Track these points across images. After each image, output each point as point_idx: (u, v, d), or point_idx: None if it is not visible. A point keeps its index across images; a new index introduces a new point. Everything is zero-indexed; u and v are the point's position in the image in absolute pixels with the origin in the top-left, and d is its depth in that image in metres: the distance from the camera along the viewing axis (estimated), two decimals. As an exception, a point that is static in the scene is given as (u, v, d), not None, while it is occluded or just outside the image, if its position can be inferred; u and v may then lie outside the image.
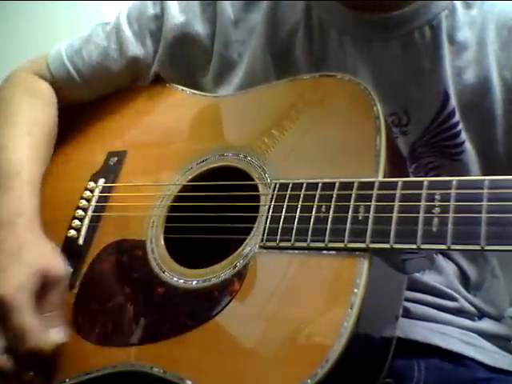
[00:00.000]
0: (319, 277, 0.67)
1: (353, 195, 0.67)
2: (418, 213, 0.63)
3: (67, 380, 0.76)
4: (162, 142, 0.92)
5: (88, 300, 0.81)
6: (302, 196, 0.70)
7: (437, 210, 0.62)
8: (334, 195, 0.68)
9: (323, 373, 0.60)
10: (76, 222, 0.87)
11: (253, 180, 0.78)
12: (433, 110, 0.83)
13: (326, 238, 0.66)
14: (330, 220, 0.67)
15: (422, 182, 0.65)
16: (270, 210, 0.72)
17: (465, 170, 0.84)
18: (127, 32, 0.97)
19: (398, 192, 0.65)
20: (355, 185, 0.68)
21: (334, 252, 0.66)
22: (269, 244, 0.70)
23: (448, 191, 0.63)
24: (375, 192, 0.66)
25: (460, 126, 0.83)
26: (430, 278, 0.85)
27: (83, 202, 0.89)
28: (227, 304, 0.70)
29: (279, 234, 0.70)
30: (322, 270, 0.67)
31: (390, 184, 0.66)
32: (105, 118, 1.00)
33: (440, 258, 0.86)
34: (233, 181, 0.79)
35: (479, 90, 0.82)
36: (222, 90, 0.93)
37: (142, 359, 0.72)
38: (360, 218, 0.66)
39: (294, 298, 0.66)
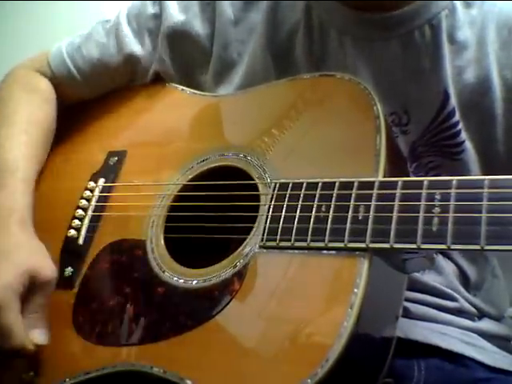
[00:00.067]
0: (319, 276, 0.67)
1: (353, 195, 0.67)
2: (418, 212, 0.63)
3: (67, 380, 0.76)
4: (161, 142, 0.92)
5: (88, 300, 0.81)
6: (301, 196, 0.70)
7: (437, 209, 0.62)
8: (334, 195, 0.68)
9: (323, 372, 0.60)
10: (76, 222, 0.87)
11: (253, 180, 0.78)
12: (433, 110, 0.83)
13: (326, 237, 0.66)
14: (330, 220, 0.67)
15: (422, 181, 0.65)
16: (270, 210, 0.72)
17: (465, 169, 0.84)
18: (126, 30, 0.98)
19: (398, 192, 0.65)
20: (355, 184, 0.68)
21: (333, 252, 0.66)
22: (269, 244, 0.70)
23: (448, 191, 0.63)
24: (375, 192, 0.66)
25: (460, 126, 0.83)
26: (429, 278, 0.85)
27: (83, 202, 0.89)
28: (227, 304, 0.70)
29: (279, 233, 0.70)
30: (322, 270, 0.67)
31: (390, 184, 0.66)
32: (105, 118, 1.00)
33: (440, 258, 0.86)
34: (233, 180, 0.79)
35: (479, 89, 0.82)
36: (222, 89, 0.94)
37: (141, 359, 0.72)
38: (360, 217, 0.66)
39: (294, 298, 0.66)
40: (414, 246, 0.62)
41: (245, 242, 0.73)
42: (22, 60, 1.05)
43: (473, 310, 0.88)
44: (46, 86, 1.00)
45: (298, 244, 0.68)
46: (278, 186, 0.73)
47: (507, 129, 0.82)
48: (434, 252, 0.79)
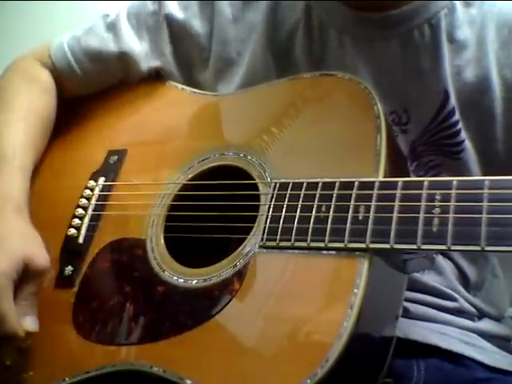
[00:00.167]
0: (319, 277, 0.67)
1: (353, 195, 0.67)
2: (419, 213, 0.63)
3: (67, 379, 0.76)
4: (162, 141, 0.92)
5: (88, 299, 0.81)
6: (302, 195, 0.70)
7: (437, 210, 0.62)
8: (334, 195, 0.68)
9: (323, 373, 0.60)
10: (76, 221, 0.87)
11: (253, 179, 0.77)
12: (433, 109, 0.83)
13: (326, 237, 0.66)
14: (330, 220, 0.67)
15: (422, 182, 0.64)
16: (270, 210, 0.72)
17: (465, 168, 0.84)
18: (125, 26, 0.98)
19: (399, 192, 0.65)
20: (355, 184, 0.68)
21: (333, 252, 0.66)
22: (269, 244, 0.70)
23: (448, 191, 0.63)
24: (375, 192, 0.66)
25: (460, 125, 0.83)
26: (429, 278, 0.85)
27: (83, 201, 0.89)
28: (227, 303, 0.70)
29: (279, 233, 0.70)
30: (322, 270, 0.67)
31: (390, 184, 0.66)
32: (105, 117, 1.00)
33: (440, 258, 0.86)
34: (233, 180, 0.79)
35: (479, 88, 0.82)
36: (222, 87, 0.94)
37: (141, 358, 0.72)
38: (360, 217, 0.66)
39: (294, 298, 0.66)
40: (414, 246, 0.62)
41: (245, 242, 0.73)
42: (22, 56, 1.04)
43: (472, 310, 0.88)
44: (46, 77, 1.00)
45: (297, 244, 0.68)
46: (278, 185, 0.73)
47: (507, 128, 0.82)
48: (434, 252, 0.79)
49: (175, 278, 0.75)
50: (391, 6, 0.82)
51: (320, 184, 0.70)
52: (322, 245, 0.67)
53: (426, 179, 0.65)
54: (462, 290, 0.87)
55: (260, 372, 0.65)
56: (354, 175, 0.69)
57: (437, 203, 0.62)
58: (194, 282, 0.74)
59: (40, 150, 0.95)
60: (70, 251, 0.85)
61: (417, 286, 0.83)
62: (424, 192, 0.64)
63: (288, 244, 0.69)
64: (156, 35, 0.98)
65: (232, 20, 0.93)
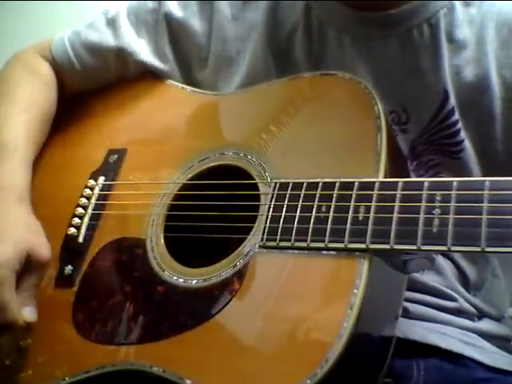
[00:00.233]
0: (319, 277, 0.67)
1: (353, 195, 0.67)
2: (419, 214, 0.63)
3: (66, 378, 0.76)
4: (162, 140, 0.92)
5: (88, 298, 0.81)
6: (302, 196, 0.70)
7: (437, 210, 0.62)
8: (335, 195, 0.68)
9: (322, 373, 0.60)
10: (76, 220, 0.87)
11: (253, 179, 0.77)
12: (432, 109, 0.83)
13: (326, 238, 0.66)
14: (330, 220, 0.67)
15: (422, 182, 0.64)
16: (270, 210, 0.72)
17: (465, 167, 0.84)
18: (124, 23, 0.99)
19: (399, 192, 0.65)
20: (356, 185, 0.68)
21: (333, 252, 0.66)
22: (269, 244, 0.70)
23: (449, 192, 0.63)
24: (376, 192, 0.66)
25: (459, 125, 0.83)
26: (429, 278, 0.85)
27: (83, 200, 0.89)
28: (227, 303, 0.70)
29: (279, 233, 0.70)
30: (322, 270, 0.67)
31: (390, 184, 0.66)
32: (105, 116, 1.00)
33: (440, 258, 0.86)
34: (233, 179, 0.79)
35: (478, 87, 0.82)
36: (222, 86, 0.94)
37: (141, 358, 0.72)
38: (360, 218, 0.66)
39: (294, 298, 0.66)
40: (414, 247, 0.62)
41: (245, 242, 0.73)
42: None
43: (472, 310, 0.88)
44: (47, 71, 1.01)
45: (297, 244, 0.68)
46: (278, 185, 0.73)
47: (506, 127, 0.82)
48: (434, 253, 0.79)
49: (175, 277, 0.75)
50: (390, 6, 0.83)
51: (320, 184, 0.70)
52: (322, 245, 0.67)
53: (427, 180, 0.65)
54: (461, 290, 0.87)
55: (260, 372, 0.65)
56: (355, 175, 0.69)
57: (437, 204, 0.62)
58: (194, 281, 0.74)
59: (40, 143, 0.95)
60: (70, 250, 0.85)
61: (417, 286, 0.83)
62: (424, 193, 0.64)
63: (288, 244, 0.69)
64: (155, 33, 0.98)
65: (231, 19, 0.93)
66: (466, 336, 0.84)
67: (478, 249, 0.59)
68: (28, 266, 0.77)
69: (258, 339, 0.67)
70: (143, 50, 0.98)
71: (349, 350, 0.61)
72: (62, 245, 0.86)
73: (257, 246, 0.71)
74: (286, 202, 0.71)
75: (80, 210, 0.88)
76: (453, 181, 0.63)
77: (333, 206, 0.68)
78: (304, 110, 0.81)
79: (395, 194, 0.65)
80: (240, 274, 0.71)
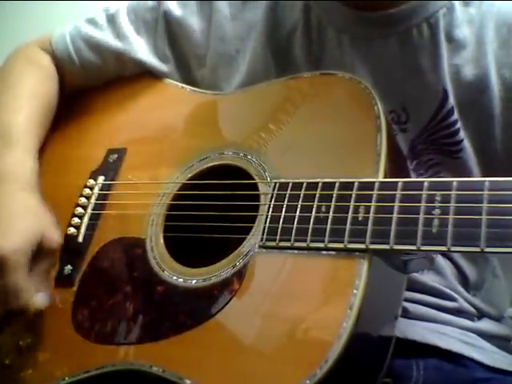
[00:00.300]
0: (318, 277, 0.67)
1: (353, 195, 0.67)
2: (418, 214, 0.63)
3: (66, 378, 0.76)
4: (161, 140, 0.92)
5: (87, 298, 0.81)
6: (301, 196, 0.70)
7: (437, 211, 0.62)
8: (334, 195, 0.68)
9: (322, 373, 0.60)
10: (75, 220, 0.87)
11: (253, 179, 0.77)
12: (432, 108, 0.83)
13: (326, 238, 0.66)
14: (329, 220, 0.67)
15: (422, 182, 0.64)
16: (270, 210, 0.72)
17: (464, 167, 0.84)
18: (124, 20, 0.99)
19: (399, 193, 0.65)
20: (355, 185, 0.68)
21: (333, 252, 0.66)
22: (268, 244, 0.70)
23: (448, 192, 0.62)
24: (375, 192, 0.66)
25: (459, 124, 0.83)
26: (428, 278, 0.85)
27: (83, 200, 0.89)
28: (226, 303, 0.70)
29: (279, 233, 0.70)
30: (322, 271, 0.67)
31: (390, 184, 0.66)
32: (104, 115, 0.99)
33: (439, 258, 0.86)
34: (233, 179, 0.79)
35: (477, 87, 0.81)
36: (221, 85, 0.94)
37: (141, 358, 0.72)
38: (360, 218, 0.65)
39: (293, 298, 0.66)
40: (413, 247, 0.62)
41: (244, 242, 0.73)
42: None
43: (472, 310, 0.88)
44: (48, 63, 1.01)
45: (297, 244, 0.68)
46: (277, 185, 0.73)
47: (505, 127, 0.82)
48: (434, 253, 0.79)
49: (175, 277, 0.75)
50: (390, 6, 0.82)
51: (320, 184, 0.70)
52: (321, 245, 0.67)
53: (426, 180, 0.64)
54: (461, 289, 0.87)
55: (259, 372, 0.65)
56: (354, 175, 0.69)
57: (437, 204, 0.62)
58: (194, 281, 0.74)
59: (41, 136, 0.95)
60: (70, 250, 0.85)
61: (416, 286, 0.83)
62: (424, 193, 0.63)
63: (288, 244, 0.69)
64: (154, 32, 0.98)
65: (230, 19, 0.93)
66: (466, 336, 0.84)
67: (478, 249, 0.59)
68: (40, 252, 0.78)
69: (258, 339, 0.67)
70: (142, 49, 0.98)
71: (348, 350, 0.61)
72: (62, 245, 0.85)
73: (256, 245, 0.71)
74: (285, 202, 0.71)
75: (79, 210, 0.88)
76: (452, 181, 0.63)
77: (332, 206, 0.68)
78: (304, 109, 0.81)
79: (395, 194, 0.65)
80: (240, 274, 0.71)
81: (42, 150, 0.96)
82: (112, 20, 1.00)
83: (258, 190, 0.76)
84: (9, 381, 0.80)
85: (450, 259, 0.87)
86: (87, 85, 1.03)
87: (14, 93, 0.95)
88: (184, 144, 0.89)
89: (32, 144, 0.91)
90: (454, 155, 0.84)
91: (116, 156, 0.92)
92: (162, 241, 0.80)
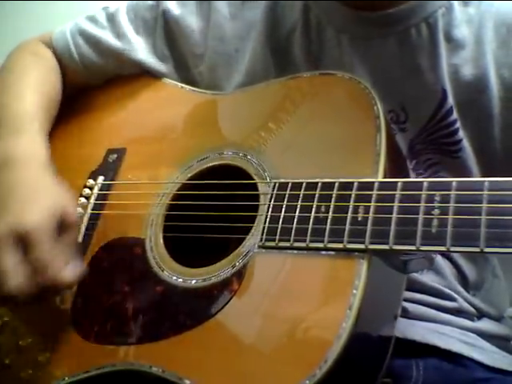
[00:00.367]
0: (318, 277, 0.67)
1: (352, 195, 0.67)
2: (418, 214, 0.63)
3: (66, 378, 0.76)
4: (161, 140, 0.92)
5: (87, 298, 0.81)
6: (301, 196, 0.70)
7: (436, 211, 0.62)
8: (334, 195, 0.68)
9: (321, 374, 0.60)
10: (75, 220, 0.87)
11: (252, 179, 0.77)
12: (431, 108, 0.83)
13: (325, 238, 0.66)
14: (329, 220, 0.67)
15: (421, 182, 0.64)
16: (270, 210, 0.72)
17: (464, 166, 0.84)
18: (123, 18, 0.99)
19: (398, 193, 0.65)
20: (355, 185, 0.67)
21: (332, 252, 0.66)
22: (268, 244, 0.70)
23: (448, 192, 0.62)
24: (375, 193, 0.66)
25: (458, 124, 0.83)
26: (428, 278, 0.85)
27: (82, 200, 0.89)
28: (226, 303, 0.70)
29: (278, 233, 0.70)
30: (321, 271, 0.67)
31: (389, 185, 0.66)
32: (104, 115, 0.99)
33: (439, 258, 0.86)
34: (232, 179, 0.79)
35: (476, 87, 0.81)
36: (221, 85, 0.94)
37: (140, 358, 0.72)
38: (359, 218, 0.65)
39: (293, 299, 0.66)
40: (413, 247, 0.62)
41: (244, 242, 0.73)
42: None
43: (472, 309, 0.88)
44: (51, 56, 1.02)
45: (297, 244, 0.68)
46: (277, 185, 0.73)
47: (504, 127, 0.82)
48: (433, 253, 0.79)
49: (174, 277, 0.75)
50: (389, 5, 0.82)
51: (319, 184, 0.70)
52: (321, 245, 0.66)
53: (426, 180, 0.64)
54: (461, 289, 0.87)
55: (259, 372, 0.65)
56: (354, 175, 0.69)
57: (436, 204, 0.62)
58: (194, 281, 0.74)
59: (50, 122, 0.96)
60: (70, 250, 0.85)
61: (416, 286, 0.83)
62: (423, 193, 0.63)
63: (287, 244, 0.69)
64: (153, 31, 0.99)
65: (230, 18, 0.93)
66: (466, 336, 0.84)
67: (477, 249, 0.59)
68: (62, 226, 0.77)
69: (257, 339, 0.67)
70: (141, 49, 0.98)
71: (348, 351, 0.61)
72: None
73: (256, 246, 0.71)
74: (285, 202, 0.71)
75: (79, 210, 0.88)
76: (452, 181, 0.63)
77: (332, 207, 0.68)
78: (303, 109, 0.81)
79: (394, 195, 0.65)
80: (239, 274, 0.71)
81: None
82: (112, 19, 1.00)
83: (257, 190, 0.76)
84: (9, 381, 0.80)
85: (450, 259, 0.87)
86: (87, 83, 1.03)
87: (21, 82, 0.96)
88: (183, 144, 0.89)
89: (41, 127, 0.91)
90: (453, 155, 0.84)
91: (116, 156, 0.92)
92: (161, 241, 0.80)
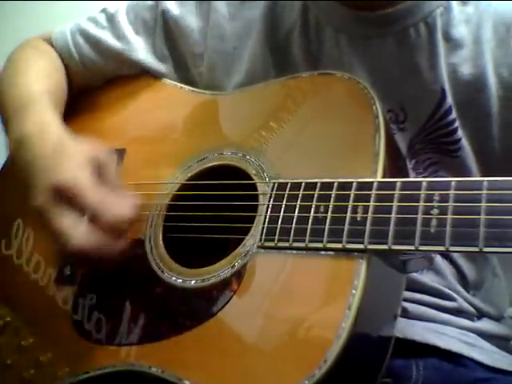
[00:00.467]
0: (317, 277, 0.67)
1: (351, 195, 0.67)
2: (417, 214, 0.62)
3: (66, 378, 0.77)
4: (161, 140, 0.92)
5: (87, 299, 0.81)
6: (300, 196, 0.70)
7: (435, 211, 0.62)
8: (333, 195, 0.68)
9: (321, 374, 0.60)
10: (75, 220, 0.87)
11: (251, 179, 0.77)
12: (430, 107, 0.83)
13: (325, 238, 0.66)
14: (328, 220, 0.67)
15: (420, 182, 0.64)
16: (269, 210, 0.72)
17: (463, 166, 0.84)
18: (123, 19, 1.00)
19: (397, 192, 0.65)
20: (354, 185, 0.67)
21: (332, 253, 0.66)
22: (267, 244, 0.70)
23: (447, 192, 0.62)
24: (374, 192, 0.66)
25: (457, 123, 0.83)
26: (428, 278, 0.85)
27: (82, 200, 0.89)
28: (225, 304, 0.70)
29: (277, 234, 0.70)
30: (320, 271, 0.67)
31: (388, 184, 0.66)
32: (104, 116, 1.00)
33: (438, 258, 0.86)
34: (232, 179, 0.79)
35: (475, 86, 0.81)
36: (220, 84, 0.94)
37: (140, 359, 0.72)
38: (358, 218, 0.65)
39: (292, 299, 0.66)
40: (412, 247, 0.62)
41: (243, 242, 0.73)
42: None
43: (472, 309, 0.87)
44: (54, 53, 1.03)
45: (296, 244, 0.68)
46: (276, 185, 0.73)
47: (503, 126, 0.82)
48: (433, 252, 0.79)
49: (174, 278, 0.75)
50: (387, 5, 0.82)
51: (318, 184, 0.70)
52: (320, 245, 0.66)
53: (425, 180, 0.64)
54: (460, 289, 0.87)
55: (258, 373, 0.65)
56: (353, 174, 0.69)
57: (435, 204, 0.62)
58: (193, 282, 0.74)
59: (60, 107, 0.97)
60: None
61: (415, 286, 0.83)
62: (422, 193, 0.63)
63: (286, 244, 0.69)
64: (153, 32, 0.99)
65: (229, 18, 0.93)
66: (466, 336, 0.84)
67: (476, 249, 0.59)
68: (100, 171, 0.77)
69: (256, 340, 0.67)
70: (140, 49, 0.99)
71: (347, 351, 0.61)
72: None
73: (255, 246, 0.71)
74: (284, 203, 0.71)
75: (79, 210, 0.88)
76: (451, 181, 0.63)
77: (331, 207, 0.68)
78: (302, 109, 0.81)
79: (393, 194, 0.65)
80: (238, 275, 0.71)
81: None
82: (111, 19, 1.01)
83: (256, 190, 0.76)
84: (11, 381, 0.81)
85: (449, 259, 0.87)
86: (87, 84, 1.03)
87: (28, 71, 0.97)
88: (183, 144, 0.89)
89: (50, 102, 0.91)
90: (453, 154, 0.84)
91: (115, 156, 0.92)
92: (161, 241, 0.80)
